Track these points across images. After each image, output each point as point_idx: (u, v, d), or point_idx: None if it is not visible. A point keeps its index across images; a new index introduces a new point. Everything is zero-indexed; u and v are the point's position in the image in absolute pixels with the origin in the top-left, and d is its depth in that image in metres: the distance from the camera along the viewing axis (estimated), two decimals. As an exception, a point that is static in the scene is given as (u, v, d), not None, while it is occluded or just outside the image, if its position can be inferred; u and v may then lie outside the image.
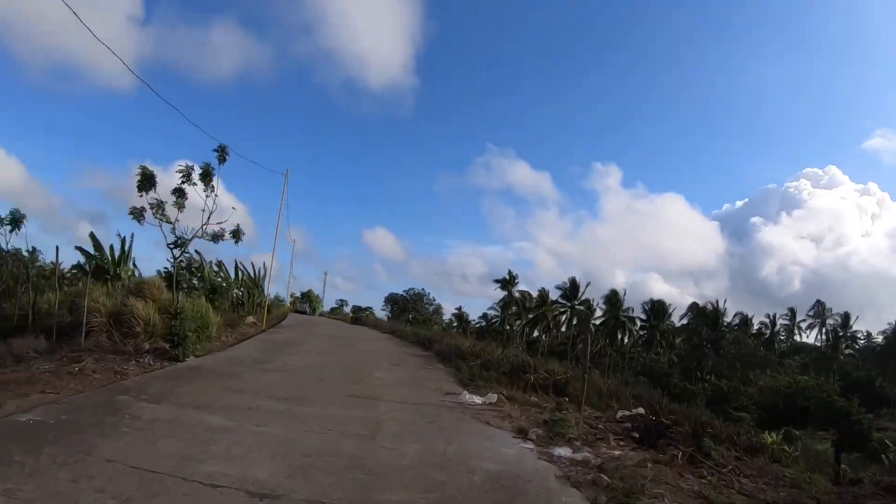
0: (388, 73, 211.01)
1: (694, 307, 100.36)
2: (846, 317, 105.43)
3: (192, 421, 9.14)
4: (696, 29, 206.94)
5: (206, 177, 18.53)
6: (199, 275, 30.32)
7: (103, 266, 28.27)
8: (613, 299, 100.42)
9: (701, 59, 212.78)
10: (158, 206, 17.48)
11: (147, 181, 17.52)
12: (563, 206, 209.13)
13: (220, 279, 38.59)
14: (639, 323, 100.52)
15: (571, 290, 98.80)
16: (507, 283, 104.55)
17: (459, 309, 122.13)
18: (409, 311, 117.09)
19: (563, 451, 9.39)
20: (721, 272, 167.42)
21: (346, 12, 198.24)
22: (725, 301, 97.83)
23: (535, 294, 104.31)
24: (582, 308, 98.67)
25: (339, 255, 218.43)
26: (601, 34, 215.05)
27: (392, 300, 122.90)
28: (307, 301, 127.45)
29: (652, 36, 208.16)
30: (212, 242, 19.13)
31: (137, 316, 17.99)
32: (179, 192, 18.21)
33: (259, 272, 48.63)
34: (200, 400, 10.79)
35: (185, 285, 27.90)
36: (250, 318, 31.70)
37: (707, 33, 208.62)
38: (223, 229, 19.36)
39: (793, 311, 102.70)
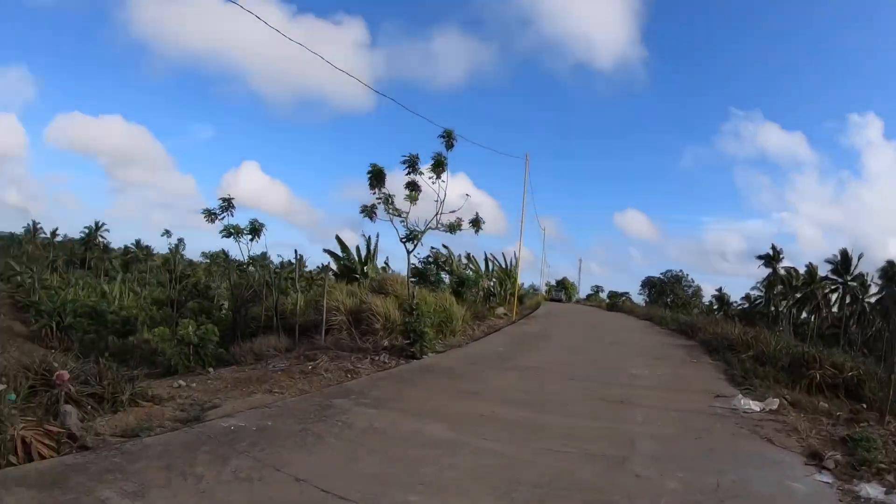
0: (614, 49, 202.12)
1: None
2: None
3: (409, 431, 7.92)
4: None
5: (438, 166, 17.61)
6: (447, 268, 29.82)
7: (350, 266, 28.70)
8: (891, 272, 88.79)
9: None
10: (386, 199, 16.81)
11: (376, 177, 16.97)
12: (822, 169, 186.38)
13: (470, 271, 38.33)
14: None
15: (843, 263, 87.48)
16: (771, 259, 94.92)
17: (720, 290, 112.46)
18: (666, 294, 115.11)
19: (875, 492, 6.58)
20: None
21: None
22: None
23: (801, 270, 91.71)
24: (855, 284, 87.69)
25: (592, 240, 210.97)
26: None
27: (648, 284, 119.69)
28: (562, 289, 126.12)
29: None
30: (448, 233, 18.15)
31: (376, 313, 17.60)
32: (412, 186, 17.46)
33: (510, 262, 47.78)
34: (426, 405, 9.55)
35: (433, 279, 27.54)
36: (500, 310, 30.75)
37: None
38: (459, 219, 18.29)
39: None
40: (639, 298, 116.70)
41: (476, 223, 18.93)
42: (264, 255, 27.50)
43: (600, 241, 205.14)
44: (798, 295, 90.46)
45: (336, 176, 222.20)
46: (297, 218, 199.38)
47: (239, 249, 20.11)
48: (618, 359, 17.48)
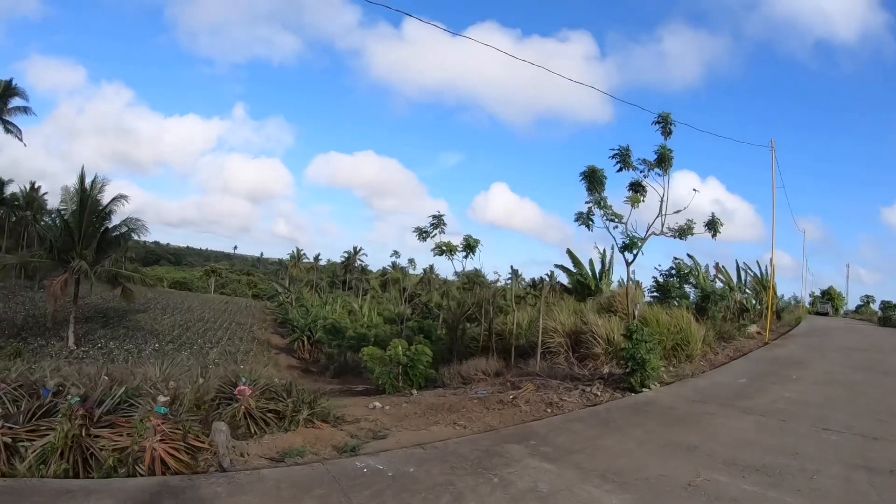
0: (855, 19, 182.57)
1: None
2: None
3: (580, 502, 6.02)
4: None
5: (663, 161, 15.41)
6: (691, 281, 26.86)
7: (584, 282, 27.16)
8: None
9: None
10: (599, 202, 14.85)
11: (591, 179, 15.20)
12: None
13: (721, 283, 34.98)
14: None
15: None
16: None
17: None
18: None
19: None
20: None
21: None
22: None
23: None
24: None
25: (859, 242, 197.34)
26: None
27: None
28: (828, 300, 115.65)
29: None
30: (678, 239, 15.78)
31: (597, 335, 16.01)
32: (636, 187, 15.38)
33: (765, 271, 43.42)
34: (618, 462, 7.46)
35: (675, 294, 24.92)
36: (752, 328, 27.16)
37: None
38: (691, 221, 15.82)
39: None
40: None
41: (713, 225, 16.45)
42: (477, 272, 26.21)
43: (868, 243, 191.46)
44: None
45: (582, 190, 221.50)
46: (550, 235, 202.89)
47: (453, 265, 19.39)
48: (891, 394, 13.58)
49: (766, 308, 37.22)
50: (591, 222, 15.24)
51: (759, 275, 41.67)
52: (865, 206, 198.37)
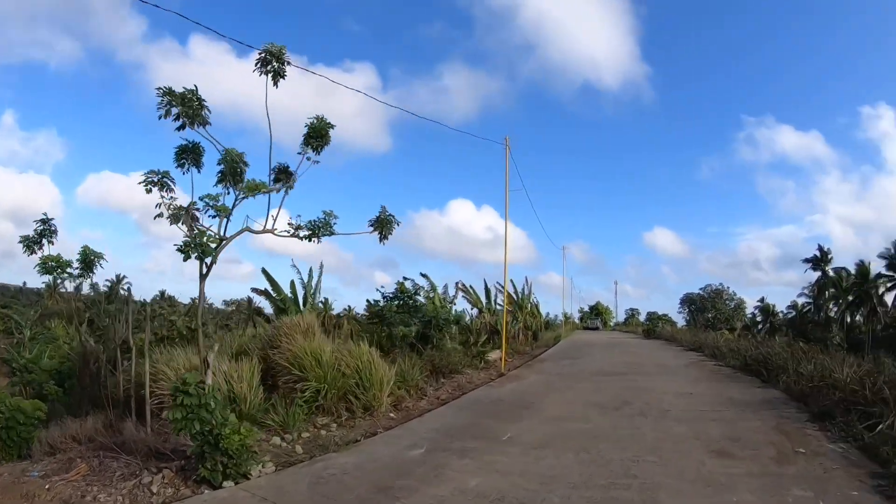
0: (618, 68, 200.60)
1: None
2: None
3: None
4: None
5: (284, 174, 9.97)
6: (418, 303, 21.48)
7: (283, 307, 21.56)
8: None
9: None
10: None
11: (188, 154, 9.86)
12: (843, 166, 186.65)
13: (468, 304, 30.66)
14: None
15: None
16: (819, 261, 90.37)
17: (762, 300, 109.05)
18: (707, 310, 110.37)
19: None
20: None
21: (555, 19, 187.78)
22: None
23: (844, 271, 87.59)
24: None
25: (625, 262, 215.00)
26: None
27: (688, 301, 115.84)
28: (597, 315, 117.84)
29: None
30: (303, 240, 10.40)
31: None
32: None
33: (522, 290, 40.58)
34: None
35: (394, 320, 19.59)
36: (494, 354, 22.37)
37: None
38: (328, 216, 10.50)
39: None
40: (679, 317, 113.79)
41: (383, 225, 11.13)
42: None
43: (632, 263, 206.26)
44: (850, 297, 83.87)
45: (363, 215, 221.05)
46: (329, 260, 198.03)
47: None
48: (646, 461, 8.31)
49: (528, 328, 33.44)
50: (193, 219, 9.19)
51: (515, 294, 38.46)
52: (629, 231, 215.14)
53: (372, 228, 11.24)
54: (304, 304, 22.09)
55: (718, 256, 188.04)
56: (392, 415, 12.19)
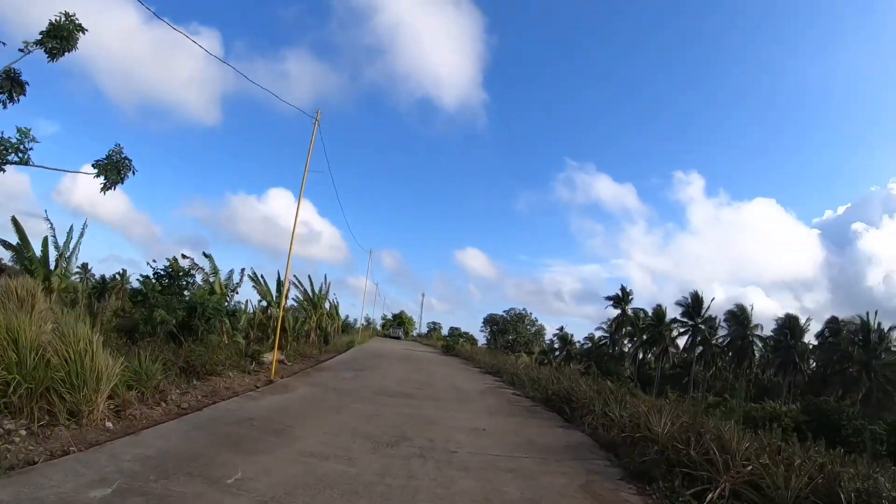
0: (457, 89, 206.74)
1: (834, 322, 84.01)
2: None
3: None
4: (768, 28, 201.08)
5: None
6: (182, 283, 18.17)
7: (31, 269, 17.69)
8: (741, 316, 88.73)
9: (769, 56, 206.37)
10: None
11: None
12: (650, 220, 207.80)
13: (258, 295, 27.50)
14: (760, 343, 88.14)
15: (694, 306, 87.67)
16: (620, 300, 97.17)
17: (562, 329, 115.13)
18: (508, 332, 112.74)
19: None
20: (821, 283, 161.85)
21: (410, 29, 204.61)
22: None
23: (640, 313, 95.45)
24: (703, 327, 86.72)
25: (434, 276, 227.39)
26: (662, 42, 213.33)
27: (491, 321, 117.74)
28: (401, 325, 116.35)
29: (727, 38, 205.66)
30: None
31: None
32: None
33: (320, 289, 37.61)
34: None
35: (155, 302, 16.26)
36: (270, 356, 19.34)
37: (785, 32, 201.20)
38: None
39: None
40: (480, 336, 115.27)
41: (111, 169, 8.39)
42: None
43: (441, 278, 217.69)
44: (645, 336, 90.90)
45: (184, 191, 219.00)
46: (135, 231, 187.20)
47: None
48: None
49: (320, 328, 30.84)
50: None
51: (310, 291, 35.93)
52: (442, 247, 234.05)
53: (97, 171, 8.21)
54: (56, 268, 18.20)
55: (525, 283, 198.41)
56: (109, 424, 9.09)
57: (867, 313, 75.68)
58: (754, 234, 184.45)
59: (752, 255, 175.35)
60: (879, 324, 75.50)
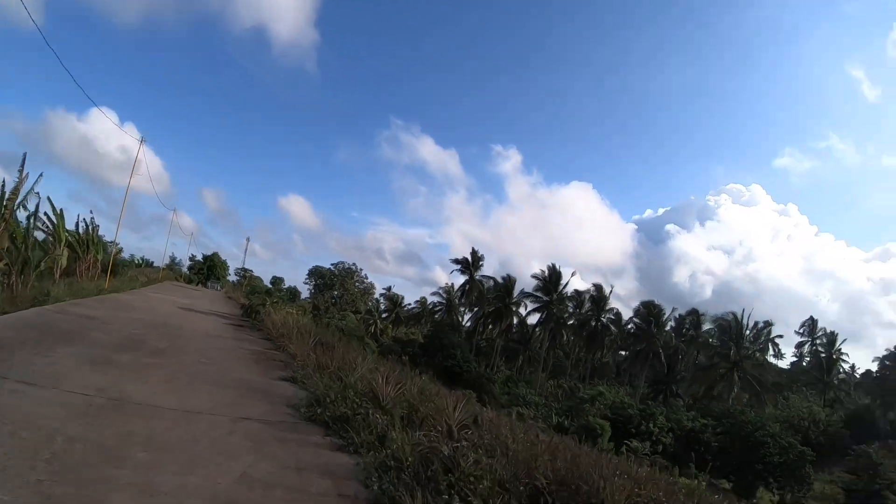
0: (292, 24, 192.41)
1: (694, 314, 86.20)
2: (832, 336, 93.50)
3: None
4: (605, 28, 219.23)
5: None
6: None
7: None
8: (598, 297, 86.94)
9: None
10: None
11: None
12: (471, 189, 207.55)
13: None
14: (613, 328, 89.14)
15: (551, 280, 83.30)
16: (470, 265, 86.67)
17: (389, 290, 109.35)
18: (335, 287, 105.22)
19: None
20: (631, 272, 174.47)
21: None
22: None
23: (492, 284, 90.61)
24: (554, 306, 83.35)
25: (257, 223, 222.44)
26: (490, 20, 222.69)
27: (317, 274, 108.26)
28: (212, 270, 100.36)
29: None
30: None
31: None
32: None
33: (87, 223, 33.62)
34: None
35: None
36: None
37: (622, 34, 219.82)
38: None
39: (768, 324, 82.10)
40: (304, 289, 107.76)
41: None
42: None
43: (264, 223, 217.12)
44: (491, 308, 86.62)
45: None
46: None
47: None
48: None
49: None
50: None
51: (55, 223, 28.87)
52: (267, 190, 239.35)
53: None
54: None
55: (347, 238, 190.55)
56: None
57: (742, 310, 77.40)
58: (570, 217, 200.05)
59: (568, 237, 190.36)
60: (758, 323, 79.45)
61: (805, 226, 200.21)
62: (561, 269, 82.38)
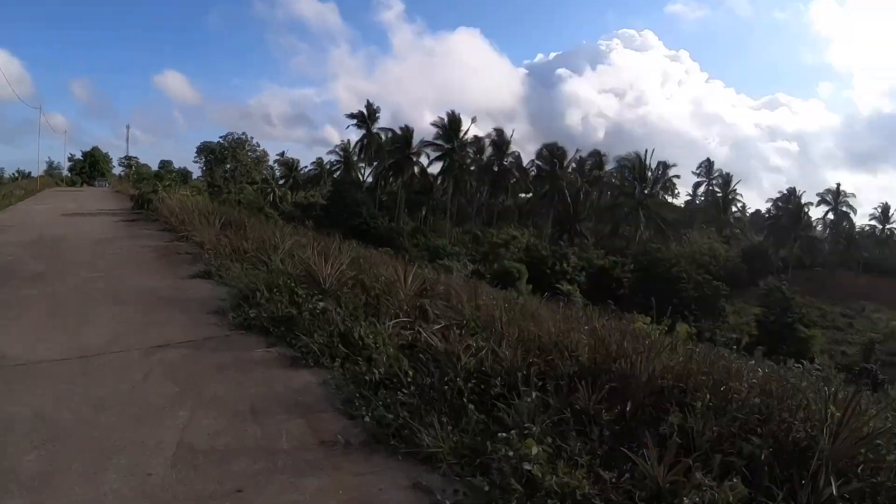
0: None
1: (596, 155, 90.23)
2: (728, 178, 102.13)
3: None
4: None
5: None
6: None
7: None
8: (499, 141, 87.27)
9: None
10: None
11: None
12: (353, 42, 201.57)
13: None
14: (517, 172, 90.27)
15: (451, 127, 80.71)
16: (366, 119, 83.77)
17: (283, 155, 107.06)
18: (227, 160, 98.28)
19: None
20: (523, 116, 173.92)
21: None
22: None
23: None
24: (456, 153, 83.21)
25: (134, 106, 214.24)
26: None
27: (206, 150, 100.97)
28: (94, 166, 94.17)
29: None
30: None
31: None
32: None
33: None
34: None
35: None
36: None
37: None
38: None
39: (666, 165, 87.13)
40: (195, 168, 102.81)
41: None
42: None
43: (142, 107, 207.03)
44: (391, 161, 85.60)
45: None
46: None
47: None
48: None
49: None
50: None
51: None
52: (139, 71, 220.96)
53: None
54: None
55: (231, 108, 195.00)
56: None
57: (645, 151, 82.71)
58: (459, 65, 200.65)
59: (458, 85, 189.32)
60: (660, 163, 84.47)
61: (696, 72, 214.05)
62: (460, 116, 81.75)
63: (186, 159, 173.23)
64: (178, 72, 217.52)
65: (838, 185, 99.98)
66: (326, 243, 11.10)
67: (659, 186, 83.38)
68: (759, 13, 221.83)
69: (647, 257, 63.21)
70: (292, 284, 8.35)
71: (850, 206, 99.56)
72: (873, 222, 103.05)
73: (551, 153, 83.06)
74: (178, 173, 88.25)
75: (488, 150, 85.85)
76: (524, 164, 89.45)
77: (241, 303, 8.34)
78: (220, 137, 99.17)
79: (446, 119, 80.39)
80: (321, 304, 7.31)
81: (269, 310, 7.65)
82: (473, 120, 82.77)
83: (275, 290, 8.33)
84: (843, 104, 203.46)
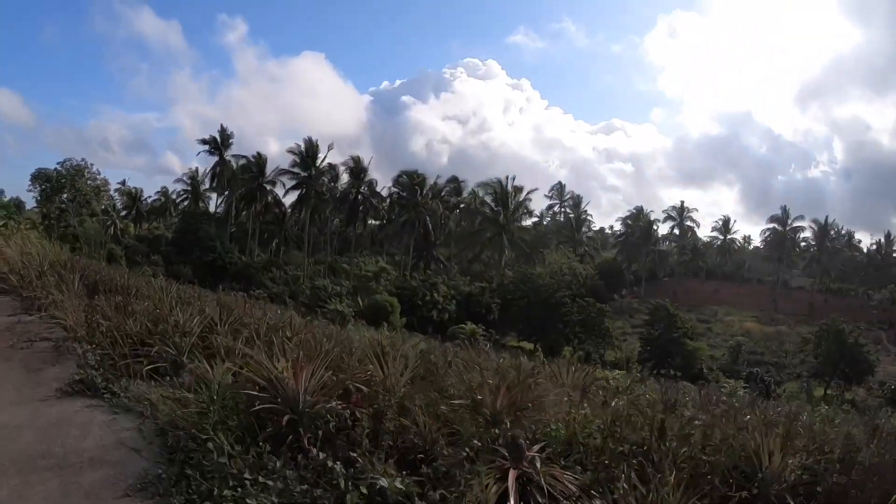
0: None
1: (455, 181, 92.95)
2: (578, 199, 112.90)
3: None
4: None
5: None
6: None
7: None
8: (356, 168, 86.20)
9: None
10: None
11: None
12: (196, 65, 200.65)
13: None
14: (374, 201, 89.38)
15: (309, 154, 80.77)
16: (220, 144, 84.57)
17: (124, 183, 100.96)
18: (64, 189, 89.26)
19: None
20: (366, 142, 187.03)
21: None
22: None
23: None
24: (314, 181, 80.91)
25: None
26: None
27: (42, 177, 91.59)
28: None
29: None
30: None
31: None
32: None
33: None
34: None
35: None
36: None
37: None
38: None
39: (516, 189, 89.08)
40: (29, 197, 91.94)
41: None
42: None
43: None
44: (243, 190, 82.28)
45: None
46: None
47: None
48: None
49: None
50: None
51: None
52: None
53: None
54: None
55: (67, 131, 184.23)
56: None
57: (506, 177, 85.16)
58: (304, 89, 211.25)
59: (301, 110, 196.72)
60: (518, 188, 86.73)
61: (537, 100, 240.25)
62: (318, 143, 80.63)
63: (20, 188, 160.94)
64: (8, 89, 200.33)
65: (682, 202, 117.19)
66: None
67: (521, 211, 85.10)
68: (596, 45, 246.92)
69: (529, 284, 63.45)
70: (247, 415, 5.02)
71: (694, 220, 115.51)
72: (715, 233, 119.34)
73: (411, 179, 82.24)
74: (12, 204, 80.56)
75: (343, 178, 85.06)
76: (378, 191, 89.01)
77: (184, 466, 4.49)
78: (58, 163, 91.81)
79: (303, 146, 78.41)
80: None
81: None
82: (330, 147, 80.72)
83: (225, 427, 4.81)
84: (674, 128, 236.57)
